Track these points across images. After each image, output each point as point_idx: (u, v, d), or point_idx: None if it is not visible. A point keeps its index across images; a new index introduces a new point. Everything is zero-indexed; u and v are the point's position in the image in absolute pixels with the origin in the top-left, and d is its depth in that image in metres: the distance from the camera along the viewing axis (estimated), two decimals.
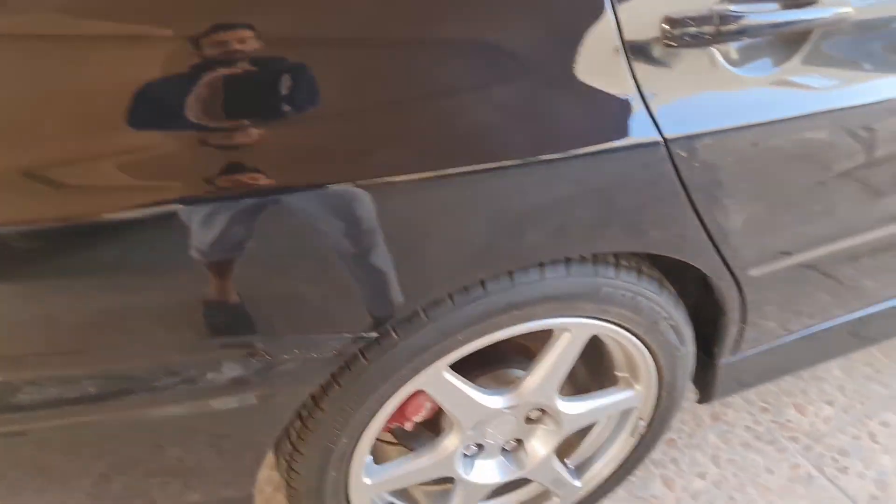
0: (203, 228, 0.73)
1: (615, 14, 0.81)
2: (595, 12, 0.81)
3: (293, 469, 1.05)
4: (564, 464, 1.31)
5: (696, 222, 0.98)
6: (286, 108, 0.73)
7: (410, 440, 1.23)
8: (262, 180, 0.73)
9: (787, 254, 1.14)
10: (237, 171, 0.73)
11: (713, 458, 1.50)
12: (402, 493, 1.31)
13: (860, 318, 1.43)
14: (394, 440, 1.26)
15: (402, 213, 0.81)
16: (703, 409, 1.60)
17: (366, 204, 0.78)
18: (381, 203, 0.78)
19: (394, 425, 1.17)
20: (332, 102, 0.74)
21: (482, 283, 0.93)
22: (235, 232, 0.75)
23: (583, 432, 1.33)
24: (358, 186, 0.76)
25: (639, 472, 1.45)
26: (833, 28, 0.93)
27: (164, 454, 0.97)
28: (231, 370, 0.86)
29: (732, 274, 1.09)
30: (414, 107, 0.78)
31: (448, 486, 1.25)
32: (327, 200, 0.77)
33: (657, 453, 1.50)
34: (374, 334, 0.90)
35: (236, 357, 0.86)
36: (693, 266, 1.05)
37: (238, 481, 1.03)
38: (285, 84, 0.72)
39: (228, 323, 0.83)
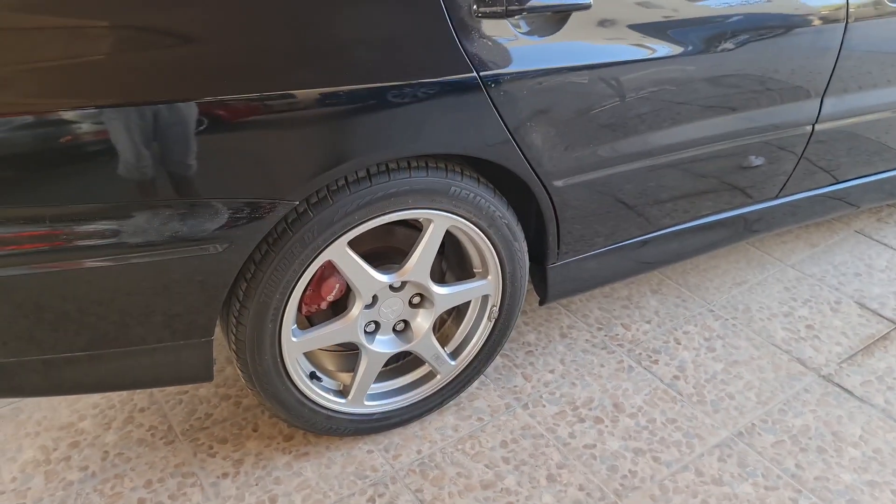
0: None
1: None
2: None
3: (240, 322, 1.42)
4: (444, 349, 1.71)
5: (508, 137, 1.45)
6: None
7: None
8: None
9: (581, 171, 1.61)
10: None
11: (561, 360, 1.94)
12: (320, 366, 1.68)
13: (658, 237, 1.92)
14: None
15: (310, 120, 1.26)
16: (554, 329, 2.05)
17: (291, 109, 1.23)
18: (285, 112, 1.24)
19: (313, 307, 1.57)
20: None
21: (369, 176, 1.37)
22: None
23: (457, 323, 1.75)
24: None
25: (504, 371, 1.89)
26: (584, 8, 1.42)
27: (153, 291, 1.33)
28: (203, 224, 1.27)
29: (542, 183, 1.56)
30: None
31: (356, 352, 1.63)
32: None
33: (519, 359, 1.94)
34: (295, 202, 1.31)
35: (206, 213, 1.26)
36: (519, 178, 1.52)
37: (206, 311, 1.39)
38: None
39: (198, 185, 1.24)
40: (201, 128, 1.17)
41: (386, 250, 1.60)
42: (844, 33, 1.78)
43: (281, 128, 1.26)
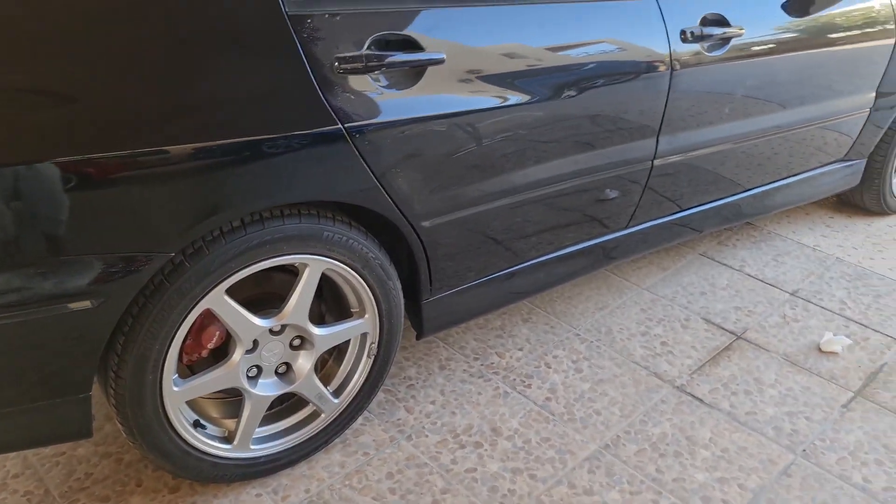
0: None
1: (305, 58, 1.39)
2: (294, 59, 1.37)
3: (119, 376, 1.43)
4: (326, 388, 1.76)
5: (375, 182, 1.55)
6: None
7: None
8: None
9: (447, 211, 1.74)
10: None
11: (441, 391, 2.04)
12: (204, 414, 1.69)
13: (524, 269, 2.05)
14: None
15: (183, 174, 1.33)
16: (433, 362, 2.15)
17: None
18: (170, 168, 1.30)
19: (194, 355, 1.59)
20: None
21: (243, 225, 1.43)
22: None
23: (338, 362, 1.81)
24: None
25: (387, 406, 1.96)
26: (439, 63, 1.55)
27: (26, 350, 1.32)
28: (75, 281, 1.28)
29: (411, 224, 1.67)
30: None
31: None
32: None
33: (401, 393, 2.02)
34: (171, 254, 1.34)
35: (79, 270, 1.28)
36: (388, 219, 1.62)
37: (83, 367, 1.39)
38: None
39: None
40: (71, 186, 1.20)
41: (265, 296, 1.65)
42: (671, 80, 2.00)
43: (154, 183, 1.31)
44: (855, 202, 3.10)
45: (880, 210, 3.07)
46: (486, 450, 1.84)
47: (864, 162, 2.88)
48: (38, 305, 1.27)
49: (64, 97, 1.20)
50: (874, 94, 2.65)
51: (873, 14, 2.52)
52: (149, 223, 1.33)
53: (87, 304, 1.30)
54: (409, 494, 1.71)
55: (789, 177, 2.68)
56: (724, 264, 2.73)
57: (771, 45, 2.28)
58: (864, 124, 2.71)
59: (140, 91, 1.27)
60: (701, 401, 2.02)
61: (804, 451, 1.86)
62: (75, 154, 1.19)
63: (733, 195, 2.53)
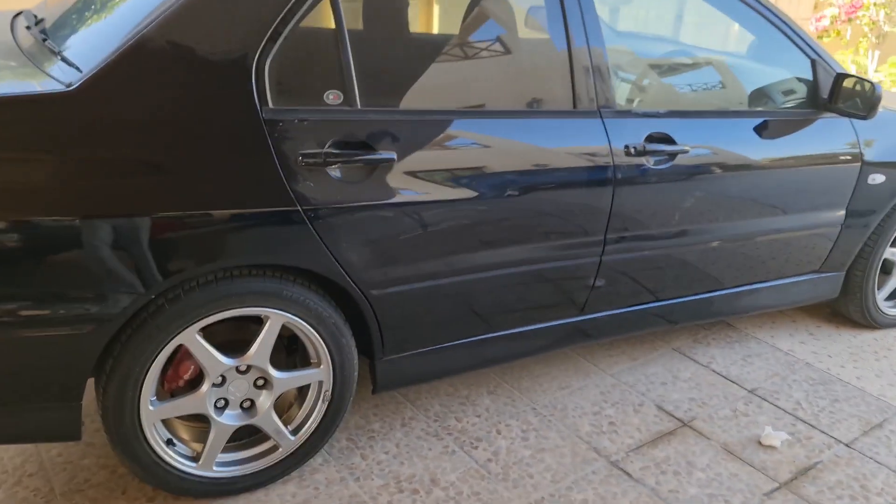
0: None
1: (274, 152, 1.73)
2: (264, 152, 1.72)
3: (105, 391, 1.75)
4: (286, 428, 2.03)
5: (329, 254, 1.85)
6: None
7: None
8: None
9: (393, 284, 2.00)
10: None
11: (396, 444, 2.29)
12: (177, 434, 1.97)
13: (475, 342, 2.26)
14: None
15: (166, 235, 1.68)
16: (396, 419, 2.41)
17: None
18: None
19: (174, 384, 1.91)
20: None
21: (216, 279, 1.76)
22: None
23: (299, 404, 2.08)
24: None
25: (346, 452, 2.23)
26: (389, 161, 1.87)
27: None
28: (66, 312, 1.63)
29: (362, 292, 1.95)
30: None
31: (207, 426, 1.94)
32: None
33: (361, 442, 2.29)
34: (152, 295, 1.69)
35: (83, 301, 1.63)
36: (340, 284, 1.92)
37: (75, 378, 1.72)
38: None
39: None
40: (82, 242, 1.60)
41: (239, 340, 1.93)
42: (614, 188, 2.23)
43: (151, 239, 1.66)
44: (843, 313, 3.19)
45: (866, 322, 3.14)
46: (420, 496, 2.06)
47: (842, 275, 2.97)
48: (53, 327, 1.64)
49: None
50: (844, 212, 2.78)
51: (834, 139, 2.70)
52: (141, 270, 1.67)
53: (87, 328, 1.65)
54: None
55: (759, 282, 2.80)
56: (693, 359, 2.88)
57: (721, 163, 2.46)
58: (837, 239, 2.83)
59: (159, 172, 1.66)
60: (630, 476, 2.19)
61: None
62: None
63: (698, 294, 2.67)
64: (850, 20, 7.53)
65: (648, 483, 2.17)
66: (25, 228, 1.56)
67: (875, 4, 7.33)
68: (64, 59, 1.71)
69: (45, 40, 1.89)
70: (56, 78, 1.64)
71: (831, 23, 7.59)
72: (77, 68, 1.64)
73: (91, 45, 1.73)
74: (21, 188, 1.56)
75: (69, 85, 1.60)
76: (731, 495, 2.13)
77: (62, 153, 1.59)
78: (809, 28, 7.74)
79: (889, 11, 7.38)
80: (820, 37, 7.80)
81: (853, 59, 7.58)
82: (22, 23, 2.14)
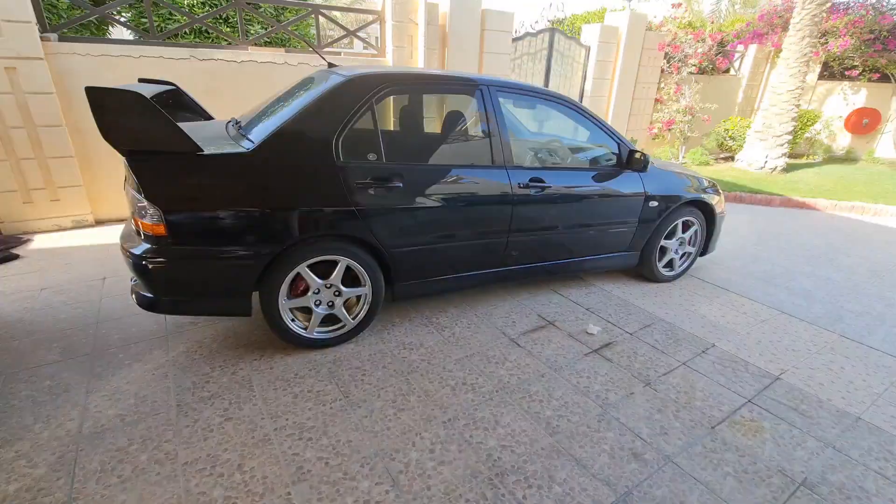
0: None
1: (343, 181, 2.03)
2: (338, 181, 2.02)
3: (263, 291, 2.07)
4: (349, 316, 2.33)
5: (370, 230, 2.14)
6: None
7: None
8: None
9: (404, 245, 2.25)
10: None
11: (404, 328, 2.57)
12: (297, 317, 2.26)
13: (447, 278, 2.46)
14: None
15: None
16: (406, 316, 2.67)
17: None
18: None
19: (298, 291, 2.21)
20: None
21: (316, 239, 2.06)
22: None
23: (357, 304, 2.35)
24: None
25: (379, 330, 2.49)
26: (399, 185, 2.15)
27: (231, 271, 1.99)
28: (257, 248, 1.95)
29: (386, 250, 2.25)
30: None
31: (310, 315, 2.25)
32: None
33: (388, 326, 2.53)
34: (280, 248, 1.99)
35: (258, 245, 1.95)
36: (374, 245, 2.20)
37: (249, 285, 2.02)
38: None
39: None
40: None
41: (328, 272, 2.20)
42: (512, 206, 2.47)
43: (285, 221, 1.97)
44: (642, 274, 3.34)
45: (654, 278, 3.29)
46: (414, 351, 2.35)
47: (639, 253, 3.13)
48: (240, 258, 1.94)
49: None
50: (637, 220, 2.98)
51: (631, 184, 2.87)
52: (283, 234, 1.98)
53: (257, 259, 1.97)
54: (376, 359, 2.25)
55: (596, 255, 2.96)
56: (560, 294, 3.05)
57: (571, 193, 2.66)
58: (634, 234, 3.01)
59: (293, 190, 1.96)
60: (518, 344, 2.44)
61: (554, 369, 2.24)
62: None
63: (563, 259, 2.83)
64: (669, 130, 7.75)
65: (526, 348, 2.43)
66: (235, 214, 1.88)
67: (680, 122, 7.57)
68: (248, 139, 2.02)
69: (239, 130, 2.20)
70: (243, 147, 1.96)
71: (659, 131, 7.81)
72: (252, 143, 1.96)
73: (260, 132, 2.05)
74: (232, 195, 1.88)
75: (248, 149, 1.92)
76: (567, 354, 2.39)
77: (247, 180, 1.91)
78: (647, 133, 7.96)
79: (690, 125, 7.62)
80: (654, 138, 8.00)
81: (671, 150, 7.75)
82: (230, 123, 2.45)
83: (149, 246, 1.88)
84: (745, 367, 2.36)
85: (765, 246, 4.26)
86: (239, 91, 4.19)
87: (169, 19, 5.21)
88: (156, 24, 5.21)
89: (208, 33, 5.37)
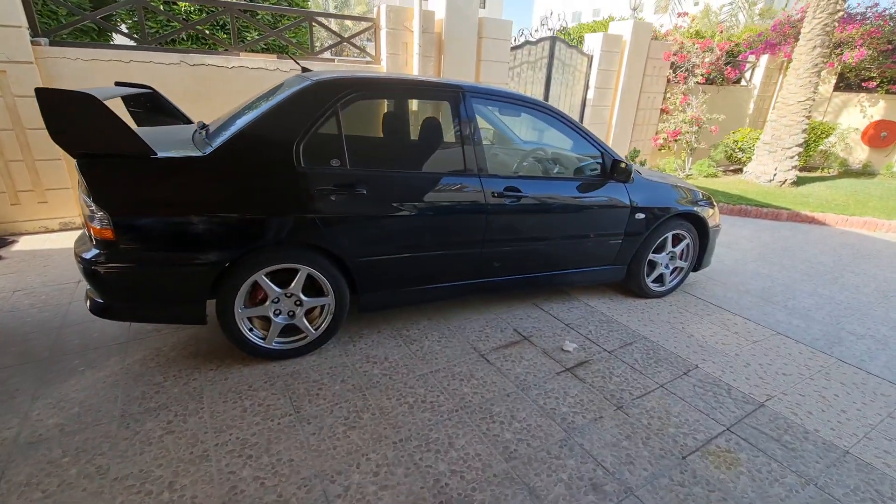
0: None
1: (304, 187, 1.97)
2: (299, 186, 1.96)
3: (219, 298, 2.01)
4: (311, 326, 2.25)
5: (329, 238, 2.07)
6: None
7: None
8: None
9: (364, 256, 2.18)
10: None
11: (372, 339, 2.49)
12: (255, 325, 2.20)
13: (413, 289, 2.37)
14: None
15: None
16: (374, 328, 2.59)
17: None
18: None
19: (255, 300, 2.15)
20: None
21: (274, 246, 2.00)
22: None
23: (319, 315, 2.28)
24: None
25: (344, 342, 2.41)
26: (362, 193, 2.08)
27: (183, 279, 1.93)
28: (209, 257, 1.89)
29: (350, 260, 2.17)
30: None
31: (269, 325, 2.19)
32: None
33: (354, 338, 2.46)
34: (236, 255, 1.93)
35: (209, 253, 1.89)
36: (336, 255, 2.12)
37: (203, 288, 1.96)
38: None
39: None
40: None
41: (289, 280, 2.13)
42: (486, 215, 2.37)
43: (240, 226, 1.91)
44: (628, 288, 3.19)
45: (642, 294, 3.16)
46: (377, 365, 2.27)
47: (625, 267, 3.01)
48: (194, 265, 1.89)
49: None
50: (623, 232, 2.87)
51: (616, 194, 2.75)
52: (237, 240, 1.92)
53: (209, 266, 1.91)
54: (336, 372, 2.16)
55: (577, 268, 2.83)
56: (541, 308, 2.94)
57: (549, 203, 2.55)
58: (620, 247, 2.89)
59: (248, 195, 1.90)
60: (488, 361, 2.34)
61: (522, 388, 2.14)
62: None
63: (541, 272, 2.72)
64: (675, 140, 7.60)
65: (496, 364, 2.33)
66: (188, 220, 1.83)
67: (686, 132, 7.42)
68: (209, 144, 1.98)
69: (204, 135, 2.16)
70: (202, 151, 1.91)
71: (664, 142, 7.66)
72: (211, 146, 1.92)
73: (220, 136, 2.00)
74: (184, 199, 1.83)
75: (204, 153, 1.88)
76: (538, 373, 2.28)
77: (201, 184, 1.86)
78: (652, 144, 7.81)
79: (697, 136, 7.46)
80: (659, 149, 7.85)
81: (677, 162, 7.59)
82: (198, 127, 2.41)
83: (98, 251, 1.85)
84: (727, 391, 2.22)
85: (766, 262, 4.10)
86: (230, 97, 4.19)
87: (167, 26, 5.29)
88: (154, 30, 5.29)
89: (205, 40, 5.43)
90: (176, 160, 1.85)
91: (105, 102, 1.74)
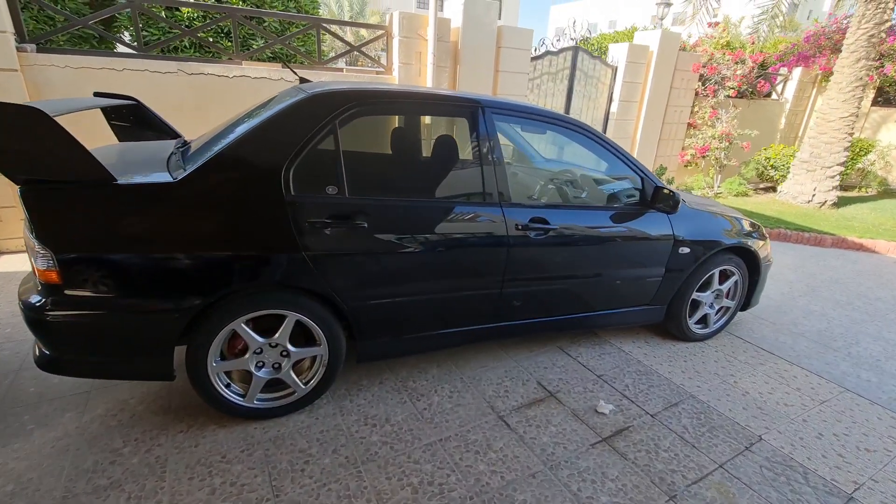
0: None
1: (291, 219, 1.67)
2: (286, 219, 1.66)
3: (189, 353, 1.71)
4: (300, 381, 1.94)
5: (321, 280, 1.76)
6: None
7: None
8: None
9: (363, 300, 1.88)
10: None
11: (372, 394, 2.17)
12: (234, 380, 1.90)
13: (419, 336, 2.05)
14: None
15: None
16: (376, 379, 2.27)
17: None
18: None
19: (234, 351, 1.84)
20: None
21: (255, 292, 1.70)
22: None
23: (310, 366, 1.98)
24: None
25: (341, 396, 2.08)
26: (362, 228, 1.78)
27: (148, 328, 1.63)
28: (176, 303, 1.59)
29: (344, 304, 1.85)
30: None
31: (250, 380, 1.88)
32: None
33: (352, 391, 2.14)
34: (210, 300, 1.62)
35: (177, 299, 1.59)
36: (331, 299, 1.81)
37: (168, 340, 1.66)
38: None
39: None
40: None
41: (275, 327, 1.84)
42: (508, 249, 2.07)
43: (212, 265, 1.62)
44: (668, 330, 2.88)
45: (683, 337, 2.83)
46: (377, 429, 1.94)
47: (665, 307, 2.68)
48: (158, 311, 1.60)
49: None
50: (664, 268, 2.53)
51: (657, 225, 2.42)
52: (210, 282, 1.62)
53: (178, 309, 1.61)
54: (327, 438, 1.84)
55: (609, 310, 2.51)
56: (568, 354, 2.62)
57: (581, 237, 2.24)
58: (660, 285, 2.57)
59: (223, 230, 1.62)
60: (508, 425, 2.01)
61: (550, 466, 1.79)
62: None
63: (568, 315, 2.40)
64: (703, 157, 7.21)
65: (518, 431, 1.99)
66: (150, 258, 1.54)
67: (715, 148, 7.03)
68: (183, 167, 1.69)
69: (180, 156, 1.87)
70: (173, 176, 1.62)
71: (692, 158, 7.28)
72: (185, 171, 1.63)
73: (197, 159, 1.71)
74: (148, 234, 1.54)
75: (175, 178, 1.59)
76: (569, 443, 1.94)
77: (168, 216, 1.57)
78: (678, 160, 7.44)
79: (727, 152, 7.05)
80: (686, 166, 7.48)
81: (705, 180, 7.19)
82: (178, 146, 2.13)
83: (41, 297, 1.55)
84: (804, 476, 1.82)
85: (817, 297, 3.68)
86: (230, 108, 3.92)
87: (169, 33, 5.08)
88: (156, 37, 5.09)
89: (208, 48, 5.21)
90: (140, 187, 1.55)
91: (57, 118, 1.45)
